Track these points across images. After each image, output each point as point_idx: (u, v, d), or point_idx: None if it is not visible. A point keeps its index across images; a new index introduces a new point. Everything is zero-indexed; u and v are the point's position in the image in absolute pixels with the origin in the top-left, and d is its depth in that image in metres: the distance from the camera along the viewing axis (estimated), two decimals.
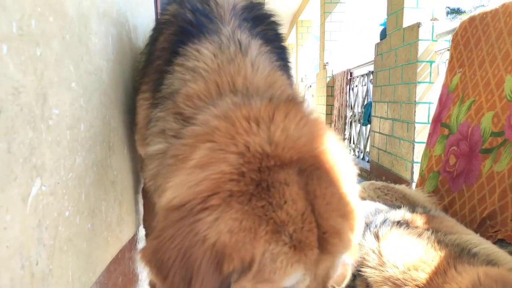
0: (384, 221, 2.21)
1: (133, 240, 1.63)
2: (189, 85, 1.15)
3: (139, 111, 1.39)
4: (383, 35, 4.88)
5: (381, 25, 5.43)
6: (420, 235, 2.07)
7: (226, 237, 0.86)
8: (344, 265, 1.13)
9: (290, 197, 0.94)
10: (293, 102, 1.11)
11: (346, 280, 1.22)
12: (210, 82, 1.13)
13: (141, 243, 1.77)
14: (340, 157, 1.08)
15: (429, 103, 3.87)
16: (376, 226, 2.21)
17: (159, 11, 2.31)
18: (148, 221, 1.59)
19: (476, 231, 2.43)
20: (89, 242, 1.17)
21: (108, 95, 1.33)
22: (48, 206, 0.93)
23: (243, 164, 0.94)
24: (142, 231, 1.76)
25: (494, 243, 2.29)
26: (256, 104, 1.04)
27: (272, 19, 1.43)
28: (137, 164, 1.70)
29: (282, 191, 0.94)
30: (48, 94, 0.93)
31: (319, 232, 0.94)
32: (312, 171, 1.01)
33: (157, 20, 2.10)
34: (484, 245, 1.98)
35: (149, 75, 1.35)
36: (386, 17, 4.74)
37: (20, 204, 0.81)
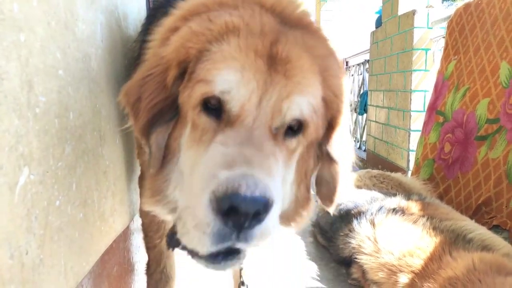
0: (380, 209, 2.22)
1: (127, 230, 1.62)
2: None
3: None
4: (379, 23, 4.85)
5: (376, 13, 5.40)
6: (415, 221, 2.08)
7: (173, 45, 0.94)
8: (332, 161, 1.02)
9: (259, 15, 0.94)
10: None
11: (339, 188, 1.06)
12: None
13: (136, 234, 1.77)
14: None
15: (425, 91, 3.86)
16: (372, 214, 2.21)
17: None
18: (145, 210, 1.56)
19: (471, 218, 2.44)
20: (81, 232, 1.15)
21: (98, 83, 1.31)
22: (37, 195, 0.92)
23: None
24: (136, 221, 1.75)
25: (489, 229, 2.30)
26: None
27: None
28: (131, 153, 1.68)
29: (251, 9, 0.95)
30: (33, 81, 0.91)
31: (275, 54, 0.88)
32: (289, 13, 0.99)
33: (148, 8, 2.07)
34: (479, 231, 1.99)
35: (142, 54, 1.33)
36: (382, 5, 4.70)
37: (7, 193, 0.79)
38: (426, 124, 3.55)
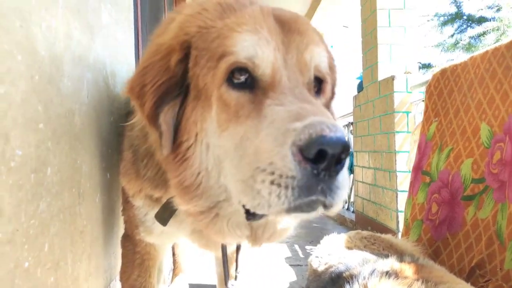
0: (373, 272, 2.12)
1: None
2: None
3: (124, 137, 1.35)
4: (360, 87, 5.05)
5: (357, 78, 5.65)
6: (410, 286, 1.98)
7: (172, 31, 0.94)
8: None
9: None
10: None
11: None
12: None
13: None
14: None
15: (409, 152, 3.91)
16: (364, 278, 2.11)
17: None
18: (127, 273, 1.43)
19: (466, 281, 2.35)
20: None
21: (80, 139, 1.27)
22: (4, 256, 0.84)
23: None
24: None
25: None
26: None
27: None
28: (112, 213, 1.61)
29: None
30: (10, 134, 0.87)
31: (276, 14, 0.93)
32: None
33: None
34: None
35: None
36: (362, 71, 4.93)
37: None
38: (412, 184, 3.56)
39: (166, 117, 0.92)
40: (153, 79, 0.93)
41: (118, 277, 1.56)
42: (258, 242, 1.07)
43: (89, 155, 1.36)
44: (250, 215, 0.91)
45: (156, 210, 1.26)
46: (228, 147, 0.87)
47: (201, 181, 0.92)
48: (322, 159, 0.73)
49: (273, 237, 1.06)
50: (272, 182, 0.76)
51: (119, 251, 1.48)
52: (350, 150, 0.76)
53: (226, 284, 1.29)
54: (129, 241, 1.43)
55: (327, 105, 1.08)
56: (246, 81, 0.88)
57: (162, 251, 1.53)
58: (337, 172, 0.76)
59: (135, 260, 1.43)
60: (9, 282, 0.85)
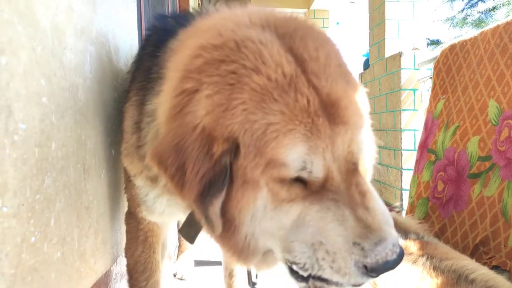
0: None
1: (109, 273, 1.50)
2: (176, 51, 1.08)
3: (127, 116, 1.30)
4: (366, 65, 4.97)
5: (363, 55, 5.55)
6: (414, 261, 1.98)
7: (206, 119, 0.86)
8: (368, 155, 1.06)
9: (270, 58, 0.85)
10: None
11: (369, 175, 1.09)
12: None
13: (120, 277, 1.64)
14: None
15: (415, 130, 3.88)
16: None
17: (143, 36, 2.29)
18: (131, 249, 1.46)
19: (470, 258, 2.36)
20: (58, 272, 1.05)
21: (84, 114, 1.25)
22: (10, 230, 0.84)
23: (201, 42, 0.92)
24: (121, 264, 1.64)
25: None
26: None
27: None
28: (117, 190, 1.60)
29: (257, 51, 0.86)
30: (13, 107, 0.85)
31: (319, 96, 0.85)
32: (292, 33, 0.92)
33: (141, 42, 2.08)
34: (481, 271, 1.91)
35: (136, 79, 1.30)
36: (369, 48, 4.84)
37: None
38: (418, 162, 3.53)
39: (215, 209, 0.88)
40: (195, 166, 0.86)
41: (124, 253, 1.57)
42: None
43: (94, 131, 1.35)
44: (294, 273, 0.97)
45: (156, 190, 1.26)
46: (285, 221, 0.91)
47: (249, 244, 0.96)
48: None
49: None
50: (330, 267, 0.87)
51: (124, 227, 1.49)
52: None
53: (249, 283, 1.31)
54: (133, 218, 1.43)
55: None
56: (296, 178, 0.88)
57: (165, 228, 1.53)
58: None
59: (139, 237, 1.43)
60: (16, 257, 0.85)
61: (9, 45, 0.84)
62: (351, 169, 0.90)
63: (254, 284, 1.34)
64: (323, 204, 0.87)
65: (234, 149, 0.86)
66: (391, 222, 0.90)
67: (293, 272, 0.97)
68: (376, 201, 0.90)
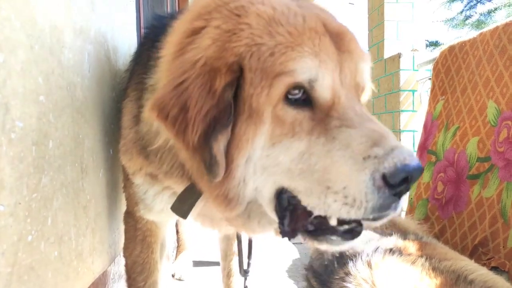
0: (376, 249, 2.12)
1: (107, 273, 1.50)
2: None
3: (125, 112, 1.30)
4: None
5: None
6: (413, 262, 1.98)
7: (210, 50, 0.86)
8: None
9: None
10: None
11: None
12: None
13: (118, 278, 1.64)
14: None
15: (414, 131, 3.88)
16: (368, 255, 2.11)
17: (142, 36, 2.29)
18: (129, 249, 1.45)
19: (469, 259, 2.36)
20: (55, 272, 1.05)
21: (82, 113, 1.25)
22: (6, 228, 0.83)
23: None
24: (119, 264, 1.63)
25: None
26: None
27: None
28: (115, 189, 1.60)
29: None
30: (11, 104, 0.85)
31: (325, 26, 0.89)
32: None
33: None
34: (480, 271, 1.90)
35: (135, 75, 1.30)
36: (368, 49, 4.85)
37: None
38: None
39: (220, 146, 0.86)
40: (197, 104, 0.85)
41: (122, 253, 1.57)
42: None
43: (92, 130, 1.34)
44: (284, 233, 0.95)
45: (156, 188, 1.25)
46: (281, 159, 0.88)
47: (240, 190, 0.93)
48: (402, 183, 0.79)
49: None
50: (345, 204, 0.82)
51: (123, 226, 1.48)
52: None
53: (240, 272, 1.29)
54: (131, 217, 1.43)
55: None
56: (302, 97, 0.87)
57: (164, 227, 1.52)
58: (409, 189, 0.85)
59: (137, 236, 1.43)
60: (12, 255, 0.85)
61: (7, 42, 0.84)
62: (359, 101, 0.91)
63: (246, 272, 1.33)
64: (329, 135, 0.84)
65: (239, 78, 0.87)
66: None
67: (282, 224, 0.93)
68: (385, 128, 0.87)
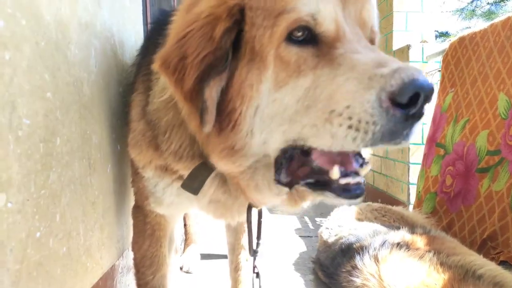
0: (383, 243, 2.12)
1: (115, 267, 1.51)
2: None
3: (133, 105, 1.30)
4: None
5: None
6: (421, 257, 1.97)
7: (209, 2, 0.87)
8: None
9: None
10: None
11: None
12: None
13: (126, 271, 1.65)
14: None
15: (422, 123, 3.84)
16: (375, 249, 2.11)
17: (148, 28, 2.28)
18: (138, 243, 1.46)
19: (477, 253, 2.34)
20: (64, 267, 1.06)
21: (90, 109, 1.25)
22: (15, 225, 0.84)
23: None
24: (127, 257, 1.64)
25: (497, 265, 2.20)
26: None
27: None
28: (122, 184, 1.60)
29: None
30: (17, 102, 0.85)
31: None
32: None
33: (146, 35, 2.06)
34: (489, 266, 1.89)
35: (142, 68, 1.29)
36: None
37: None
38: (426, 156, 3.50)
39: (212, 92, 0.86)
40: (195, 51, 0.86)
41: (130, 247, 1.58)
42: (295, 201, 1.07)
43: (99, 126, 1.34)
44: (280, 183, 0.93)
45: (166, 180, 1.24)
46: (287, 101, 0.85)
47: (246, 142, 0.91)
48: (413, 104, 0.73)
49: (310, 196, 1.05)
50: (350, 127, 0.77)
51: (131, 221, 1.49)
52: None
53: (250, 253, 1.28)
54: (140, 212, 1.43)
55: None
56: (306, 37, 0.85)
57: (173, 221, 1.53)
58: (421, 115, 0.77)
59: (146, 231, 1.43)
60: (21, 252, 0.85)
61: (12, 39, 0.83)
62: (363, 37, 0.87)
63: (255, 252, 1.33)
64: (335, 63, 0.81)
65: (240, 23, 0.86)
66: None
67: (279, 172, 0.92)
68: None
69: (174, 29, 0.98)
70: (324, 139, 0.81)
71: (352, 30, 0.85)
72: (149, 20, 2.28)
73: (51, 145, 1.00)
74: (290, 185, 0.94)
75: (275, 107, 0.87)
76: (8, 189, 0.81)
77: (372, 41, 0.99)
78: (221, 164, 0.98)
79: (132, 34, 1.79)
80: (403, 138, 0.78)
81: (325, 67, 0.82)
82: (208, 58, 0.85)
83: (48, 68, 0.98)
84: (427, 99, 0.75)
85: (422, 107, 0.76)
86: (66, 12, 1.09)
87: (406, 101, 0.73)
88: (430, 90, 0.74)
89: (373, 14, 0.92)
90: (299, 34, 0.85)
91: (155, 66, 0.93)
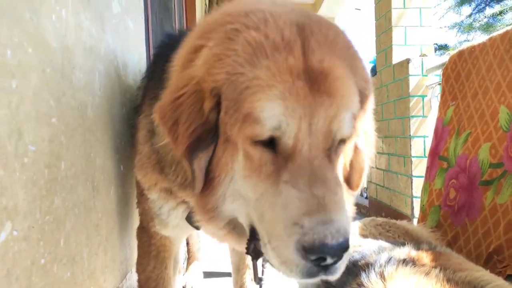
0: (389, 260, 2.09)
1: None
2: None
3: (140, 127, 1.33)
4: (373, 72, 4.94)
5: (370, 62, 5.53)
6: (427, 273, 1.94)
7: (201, 71, 0.89)
8: (358, 151, 1.04)
9: (274, 24, 0.89)
10: None
11: (365, 174, 1.08)
12: None
13: None
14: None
15: (424, 136, 3.84)
16: (381, 266, 2.08)
17: (151, 51, 2.30)
18: (143, 265, 1.45)
19: (483, 267, 2.31)
20: None
21: (93, 132, 1.26)
22: (20, 253, 0.84)
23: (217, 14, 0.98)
24: (130, 279, 1.63)
25: (504, 279, 2.17)
26: None
27: None
28: (126, 205, 1.60)
29: (263, 18, 0.90)
30: (23, 129, 0.86)
31: (308, 62, 0.85)
32: (311, 15, 0.98)
33: (148, 58, 2.09)
34: (497, 282, 1.86)
35: (149, 92, 1.31)
36: (375, 55, 4.82)
37: None
38: (429, 169, 3.49)
39: (200, 163, 0.92)
40: (187, 121, 0.90)
41: (134, 269, 1.57)
42: None
43: (103, 148, 1.35)
44: (248, 252, 1.00)
45: (170, 203, 1.25)
46: (248, 194, 0.92)
47: (219, 205, 0.98)
48: (323, 260, 0.80)
49: None
50: (279, 260, 0.85)
51: (134, 242, 1.48)
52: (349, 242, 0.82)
53: (255, 280, 1.29)
54: (145, 233, 1.43)
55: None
56: (270, 141, 0.87)
57: (178, 242, 1.52)
58: (336, 264, 0.83)
59: (151, 252, 1.42)
60: (26, 280, 0.85)
61: (19, 68, 0.85)
62: (328, 150, 0.87)
63: (260, 280, 1.32)
64: (279, 187, 0.85)
65: (219, 103, 0.89)
66: (349, 218, 0.86)
67: (248, 244, 0.97)
68: (339, 191, 0.85)
69: (170, 86, 1.02)
70: (266, 252, 0.89)
71: (314, 141, 0.85)
72: (151, 40, 2.30)
73: (55, 170, 1.00)
74: (256, 257, 1.00)
75: (242, 191, 0.93)
76: (15, 217, 0.81)
77: (345, 140, 0.96)
78: (201, 220, 1.04)
79: (135, 56, 1.81)
80: (323, 275, 0.85)
81: (273, 186, 0.86)
82: (197, 130, 0.90)
83: (53, 95, 0.99)
84: (337, 260, 0.82)
85: (333, 263, 0.82)
86: (71, 38, 1.11)
87: (315, 259, 0.80)
88: (339, 254, 0.80)
89: (345, 126, 0.88)
90: (263, 139, 0.87)
91: (155, 115, 0.98)
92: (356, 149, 1.06)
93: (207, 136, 0.90)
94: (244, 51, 0.87)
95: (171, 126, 0.93)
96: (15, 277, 0.81)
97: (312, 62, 0.86)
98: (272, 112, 0.82)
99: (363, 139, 1.05)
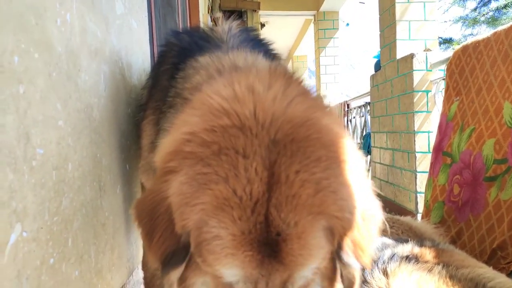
0: (392, 257, 2.11)
1: (126, 286, 1.52)
2: (192, 78, 1.15)
3: (144, 135, 1.35)
4: (378, 67, 4.93)
5: (374, 57, 5.51)
6: (430, 270, 1.96)
7: (174, 199, 0.86)
8: (345, 267, 0.93)
9: (244, 173, 0.81)
10: (275, 70, 0.97)
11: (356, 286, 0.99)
12: (211, 70, 1.14)
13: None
14: (335, 133, 0.90)
15: (428, 132, 3.84)
16: (384, 262, 2.10)
17: (155, 50, 2.32)
18: (150, 263, 1.48)
19: (487, 263, 2.32)
20: None
21: (99, 133, 1.28)
22: (30, 254, 0.86)
23: (197, 123, 0.88)
24: (136, 276, 1.66)
25: (507, 275, 2.18)
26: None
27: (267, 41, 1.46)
28: (131, 203, 1.63)
29: (235, 163, 0.81)
30: (31, 133, 0.88)
31: (269, 232, 0.79)
32: (288, 143, 0.84)
33: (152, 58, 2.10)
34: (499, 279, 1.87)
35: (153, 98, 1.33)
36: (380, 49, 4.80)
37: None
38: (433, 165, 3.50)
39: (171, 278, 0.90)
40: (160, 237, 0.88)
41: (140, 266, 1.60)
42: None
43: (109, 148, 1.37)
44: None
45: None
46: None
47: None
48: None
49: None
50: None
51: (140, 240, 1.50)
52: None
53: None
54: None
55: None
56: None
57: None
58: None
59: None
60: (36, 279, 0.88)
61: (26, 73, 0.86)
62: None
63: None
64: None
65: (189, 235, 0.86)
66: None
67: None
68: None
69: (154, 182, 0.96)
70: None
71: None
72: (155, 39, 2.32)
73: (63, 171, 1.02)
74: None
75: None
76: (24, 219, 0.84)
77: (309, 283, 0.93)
78: None
79: (139, 56, 1.83)
80: None
81: None
82: (170, 248, 0.88)
83: (60, 98, 1.01)
84: None
85: None
86: (77, 41, 1.13)
87: None
88: None
89: (299, 281, 0.85)
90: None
91: (132, 211, 0.95)
92: (342, 265, 0.96)
93: (179, 254, 0.88)
94: (212, 203, 0.81)
95: (146, 233, 0.91)
96: (25, 277, 0.83)
97: (274, 225, 0.81)
98: (232, 275, 0.83)
99: (351, 255, 0.93)
